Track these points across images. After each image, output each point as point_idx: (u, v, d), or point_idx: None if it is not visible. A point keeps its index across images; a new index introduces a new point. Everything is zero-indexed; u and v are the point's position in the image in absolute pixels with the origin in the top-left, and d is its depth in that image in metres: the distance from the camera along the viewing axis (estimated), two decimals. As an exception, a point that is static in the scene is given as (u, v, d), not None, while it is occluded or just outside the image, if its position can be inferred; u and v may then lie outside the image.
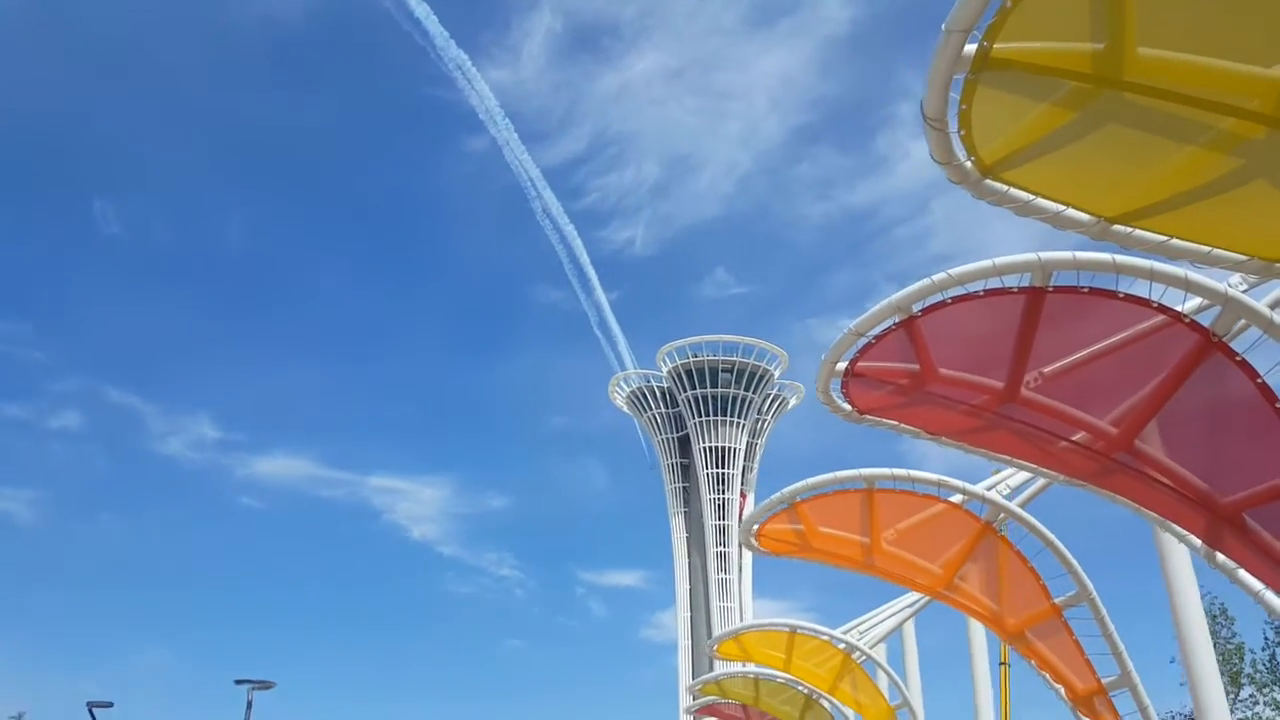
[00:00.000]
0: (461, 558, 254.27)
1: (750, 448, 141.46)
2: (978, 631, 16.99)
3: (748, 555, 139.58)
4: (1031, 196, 6.11)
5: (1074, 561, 9.74)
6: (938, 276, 7.38)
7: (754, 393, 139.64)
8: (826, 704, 19.33)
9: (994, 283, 7.27)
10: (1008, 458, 9.26)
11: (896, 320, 7.64)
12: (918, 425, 9.17)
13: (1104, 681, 9.84)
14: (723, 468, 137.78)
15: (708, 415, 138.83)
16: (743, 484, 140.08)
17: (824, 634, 16.16)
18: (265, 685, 20.79)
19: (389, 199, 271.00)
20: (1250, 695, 27.97)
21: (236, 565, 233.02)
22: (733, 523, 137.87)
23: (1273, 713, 31.69)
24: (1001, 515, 9.98)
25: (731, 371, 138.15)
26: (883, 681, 16.53)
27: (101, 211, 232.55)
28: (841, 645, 16.37)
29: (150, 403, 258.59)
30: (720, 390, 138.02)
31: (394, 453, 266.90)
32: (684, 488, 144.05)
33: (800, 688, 19.28)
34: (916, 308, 7.56)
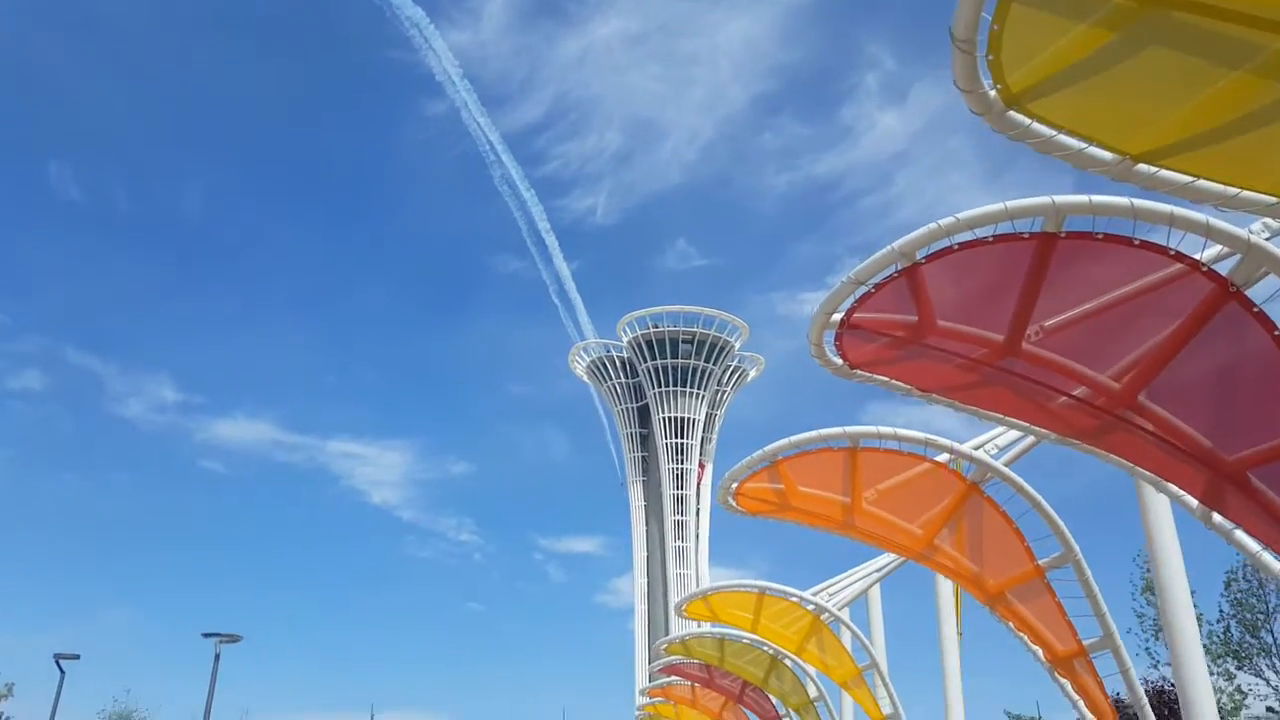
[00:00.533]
0: (421, 522, 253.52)
1: (709, 419, 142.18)
2: (946, 596, 16.97)
3: (705, 523, 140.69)
4: (1054, 132, 5.71)
5: (1060, 523, 9.60)
6: (945, 221, 7.02)
7: (714, 364, 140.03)
8: (791, 664, 19.31)
9: (1004, 228, 6.93)
10: (999, 416, 9.01)
11: (898, 268, 7.27)
12: (909, 381, 8.88)
13: (1085, 644, 9.75)
14: (682, 438, 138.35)
15: (667, 386, 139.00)
16: (701, 454, 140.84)
17: (793, 595, 15.99)
18: (232, 639, 20.28)
19: (346, 162, 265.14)
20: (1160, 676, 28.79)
21: (198, 527, 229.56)
22: (690, 492, 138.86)
23: (1224, 683, 32.70)
24: (988, 475, 9.78)
25: (692, 342, 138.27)
26: (848, 643, 16.47)
27: (58, 174, 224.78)
28: (810, 607, 16.22)
29: (110, 364, 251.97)
30: (680, 361, 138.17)
31: (354, 417, 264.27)
32: (643, 457, 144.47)
33: (766, 648, 19.20)
34: (920, 254, 7.20)
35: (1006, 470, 9.70)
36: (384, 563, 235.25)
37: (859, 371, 8.72)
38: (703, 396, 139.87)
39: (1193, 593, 10.35)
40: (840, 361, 8.54)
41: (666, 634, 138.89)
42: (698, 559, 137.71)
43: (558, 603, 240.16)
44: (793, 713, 21.67)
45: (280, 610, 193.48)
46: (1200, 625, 23.81)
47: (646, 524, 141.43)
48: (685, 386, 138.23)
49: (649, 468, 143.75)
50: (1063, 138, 5.81)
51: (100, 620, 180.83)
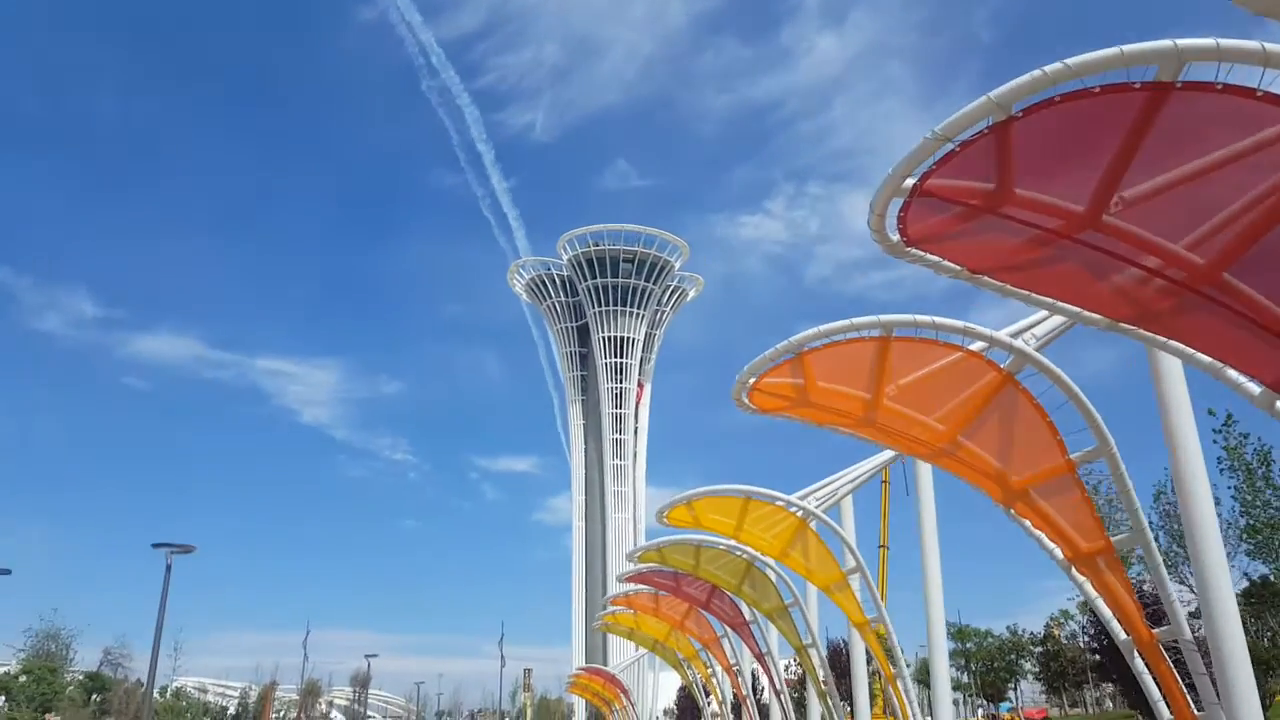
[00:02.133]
0: (354, 441, 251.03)
1: (649, 338, 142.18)
2: (927, 503, 16.88)
3: (643, 442, 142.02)
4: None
5: (1096, 415, 9.26)
6: (1052, 68, 6.24)
7: (654, 284, 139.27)
8: (770, 572, 19.19)
9: (1113, 78, 6.22)
10: (1049, 300, 8.48)
11: (990, 123, 6.52)
12: (961, 261, 8.22)
13: (1113, 540, 9.55)
14: (621, 357, 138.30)
15: (607, 305, 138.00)
16: (640, 374, 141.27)
17: (779, 499, 15.65)
18: (185, 549, 19.29)
19: (274, 69, 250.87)
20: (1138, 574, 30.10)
21: (125, 445, 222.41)
22: (629, 411, 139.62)
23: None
24: (1024, 365, 9.34)
25: (633, 262, 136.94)
26: (833, 548, 16.28)
27: None
28: (797, 511, 15.91)
29: (23, 275, 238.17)
30: (621, 280, 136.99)
31: (283, 335, 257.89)
32: (582, 376, 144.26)
33: (742, 554, 18.98)
34: (1017, 107, 6.45)
35: (1045, 360, 9.27)
36: (317, 481, 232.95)
37: (912, 250, 8.03)
38: (643, 316, 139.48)
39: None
40: (896, 237, 7.83)
41: (604, 551, 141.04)
42: (635, 477, 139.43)
43: (494, 521, 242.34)
44: (761, 618, 21.75)
45: (213, 529, 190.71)
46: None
47: (585, 443, 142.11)
48: (625, 306, 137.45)
49: (588, 387, 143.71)
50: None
51: (21, 538, 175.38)
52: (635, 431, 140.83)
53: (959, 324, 9.32)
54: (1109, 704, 65.27)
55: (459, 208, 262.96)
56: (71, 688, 63.56)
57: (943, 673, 16.53)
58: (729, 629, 25.15)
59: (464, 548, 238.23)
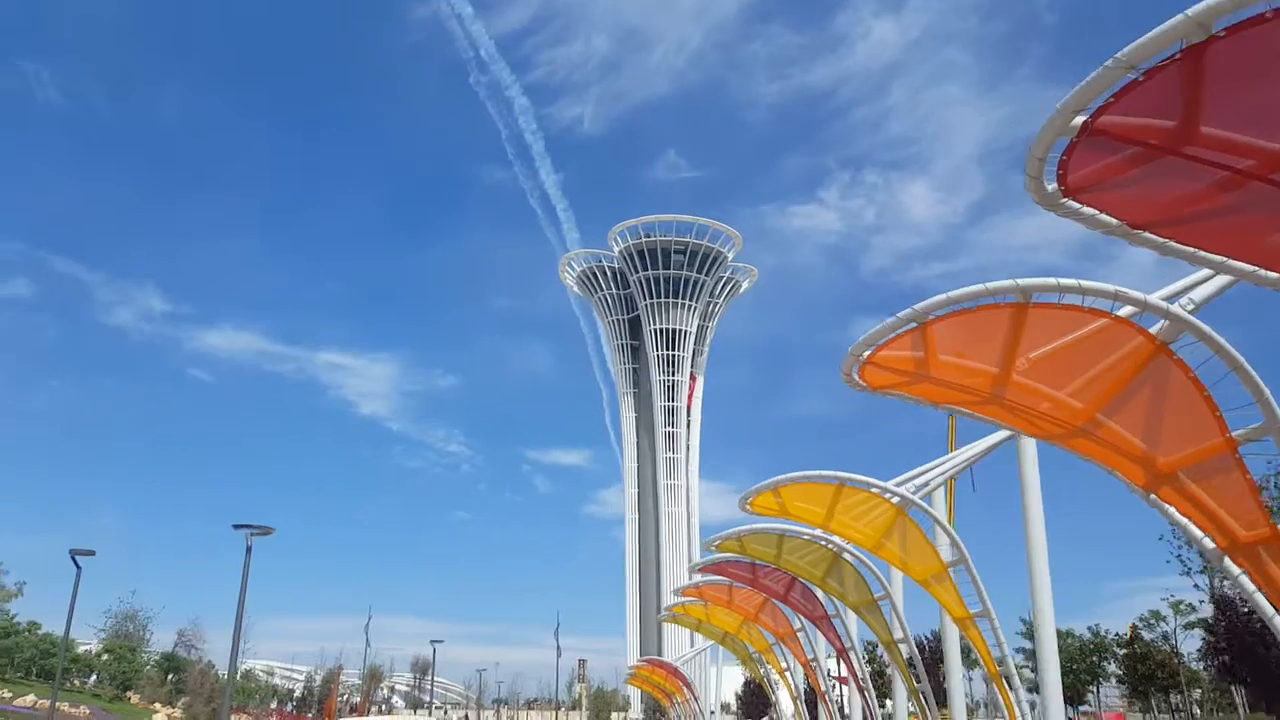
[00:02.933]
0: (410, 433, 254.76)
1: (701, 331, 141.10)
2: (1033, 491, 15.87)
3: (695, 435, 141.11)
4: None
5: (1265, 389, 8.33)
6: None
7: (706, 275, 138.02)
8: (852, 560, 18.36)
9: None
10: (1221, 257, 7.59)
11: (1185, 44, 5.70)
12: (1120, 214, 7.37)
13: (1281, 525, 8.60)
14: (673, 350, 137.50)
15: (659, 297, 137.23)
16: (693, 367, 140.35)
17: (875, 486, 14.79)
18: (264, 531, 19.31)
19: (328, 69, 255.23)
20: None
21: (191, 435, 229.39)
22: (681, 404, 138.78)
23: None
24: (1179, 333, 8.45)
25: (684, 253, 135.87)
26: (931, 539, 15.40)
27: (35, 75, 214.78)
28: (895, 499, 15.04)
29: (95, 272, 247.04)
30: (673, 272, 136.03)
31: (341, 329, 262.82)
32: (634, 369, 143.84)
33: (829, 544, 18.15)
34: (1219, 26, 5.62)
35: (1206, 327, 8.36)
36: (375, 472, 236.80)
37: (1068, 202, 7.21)
38: (695, 308, 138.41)
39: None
40: (1053, 186, 7.01)
41: (657, 544, 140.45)
42: (688, 470, 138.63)
43: (545, 513, 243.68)
44: (847, 611, 20.91)
45: (275, 518, 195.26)
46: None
47: (638, 436, 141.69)
48: (677, 298, 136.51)
49: (640, 380, 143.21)
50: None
51: (97, 524, 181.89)
52: (688, 425, 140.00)
53: (1108, 287, 8.47)
54: (1198, 709, 62.68)
55: (509, 202, 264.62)
56: (149, 667, 65.41)
57: (1053, 670, 15.52)
58: (806, 622, 24.31)
59: (516, 540, 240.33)
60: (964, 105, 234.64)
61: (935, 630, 43.93)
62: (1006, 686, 15.20)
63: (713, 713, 48.40)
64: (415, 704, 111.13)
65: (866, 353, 9.80)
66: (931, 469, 18.14)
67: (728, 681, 73.23)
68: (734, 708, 79.75)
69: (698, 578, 24.40)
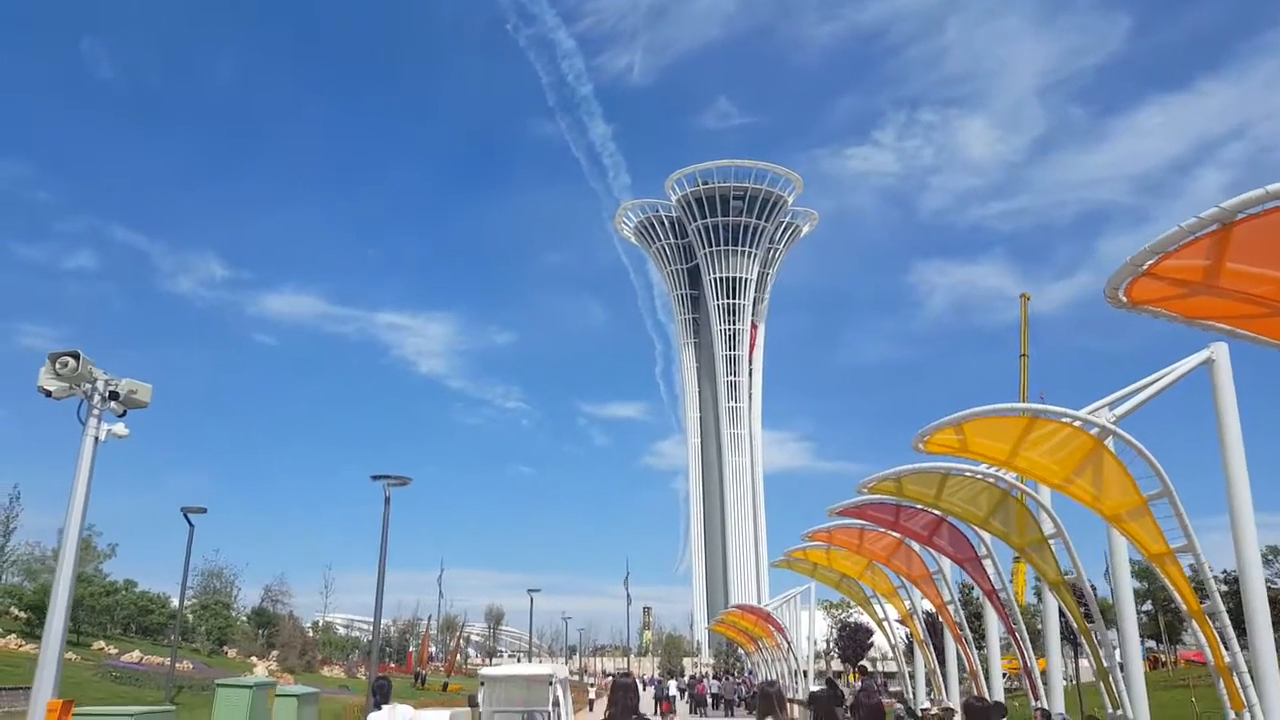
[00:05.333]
0: (469, 390, 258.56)
1: (761, 278, 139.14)
2: (1228, 408, 14.59)
3: (758, 384, 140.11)
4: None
5: None
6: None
7: (766, 220, 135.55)
8: (1023, 498, 17.31)
9: None
10: None
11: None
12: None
13: None
14: (733, 298, 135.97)
15: (718, 245, 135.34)
16: (753, 315, 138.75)
17: (1070, 416, 13.60)
18: (401, 481, 19.11)
19: (374, 33, 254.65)
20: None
21: (256, 399, 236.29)
22: (743, 353, 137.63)
23: None
24: None
25: (744, 198, 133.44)
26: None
27: (90, 51, 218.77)
28: (1093, 430, 13.83)
29: (157, 242, 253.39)
30: (732, 218, 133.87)
31: (398, 290, 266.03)
32: (694, 319, 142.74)
33: (995, 481, 17.10)
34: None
35: None
36: (436, 429, 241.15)
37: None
38: (755, 255, 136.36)
39: None
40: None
41: (721, 493, 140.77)
42: (751, 419, 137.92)
43: (603, 465, 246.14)
44: (1010, 553, 20.01)
45: (345, 475, 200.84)
46: None
47: (699, 386, 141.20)
48: (737, 245, 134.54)
49: (699, 329, 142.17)
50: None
51: (170, 489, 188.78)
52: (749, 373, 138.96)
53: None
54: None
55: (557, 158, 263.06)
56: (241, 622, 67.62)
57: (1261, 610, 14.42)
58: (946, 565, 23.49)
59: (576, 492, 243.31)
60: (1022, 38, 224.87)
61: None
62: (1214, 629, 14.10)
63: (808, 657, 48.19)
64: (490, 653, 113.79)
65: (1149, 262, 8.64)
66: (1123, 396, 16.89)
67: (810, 625, 73.30)
68: (832, 650, 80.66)
69: (831, 521, 23.60)
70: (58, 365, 9.26)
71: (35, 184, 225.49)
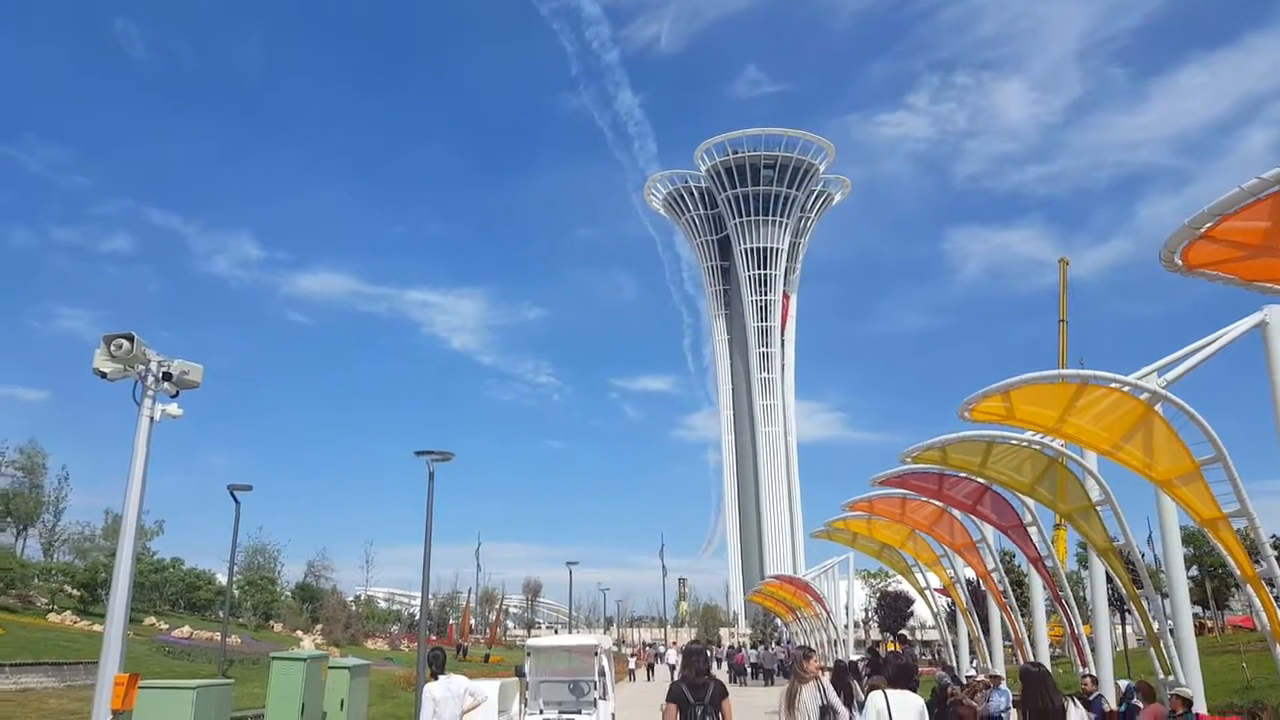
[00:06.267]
0: (501, 366, 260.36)
1: (793, 248, 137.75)
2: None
3: (790, 355, 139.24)
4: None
5: None
6: None
7: (798, 189, 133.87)
8: (1071, 465, 17.08)
9: None
10: None
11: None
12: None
13: None
14: (765, 269, 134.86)
15: (749, 215, 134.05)
16: (785, 285, 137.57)
17: (1118, 382, 13.36)
18: (444, 456, 19.28)
19: (401, 4, 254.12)
20: None
21: (295, 377, 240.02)
22: (775, 324, 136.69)
23: None
24: None
25: (774, 167, 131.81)
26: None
27: (124, 31, 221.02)
28: (1144, 395, 13.56)
29: (191, 223, 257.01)
30: (762, 188, 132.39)
31: (428, 267, 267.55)
32: (724, 290, 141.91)
33: (1042, 448, 16.86)
34: None
35: None
36: (468, 405, 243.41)
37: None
38: (786, 225, 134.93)
39: None
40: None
41: (755, 464, 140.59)
42: (784, 389, 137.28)
43: (635, 439, 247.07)
44: (1052, 521, 19.76)
45: (383, 452, 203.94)
46: None
47: (731, 357, 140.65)
48: (768, 215, 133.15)
49: (731, 301, 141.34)
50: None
51: (207, 467, 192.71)
52: (782, 344, 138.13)
53: None
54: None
55: (584, 131, 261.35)
56: (285, 596, 69.14)
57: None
58: (989, 533, 23.32)
59: (609, 466, 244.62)
60: (1058, 2, 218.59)
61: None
62: (1269, 594, 13.84)
63: (847, 626, 48.26)
64: (529, 625, 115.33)
65: (1208, 225, 8.38)
66: (1173, 361, 16.54)
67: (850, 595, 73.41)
68: (866, 619, 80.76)
69: (873, 491, 23.48)
70: (112, 347, 9.40)
71: (74, 169, 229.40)
